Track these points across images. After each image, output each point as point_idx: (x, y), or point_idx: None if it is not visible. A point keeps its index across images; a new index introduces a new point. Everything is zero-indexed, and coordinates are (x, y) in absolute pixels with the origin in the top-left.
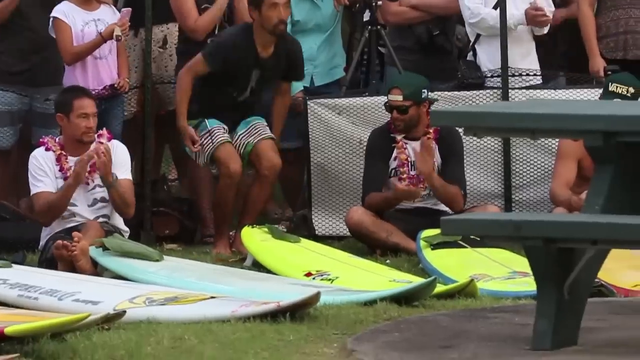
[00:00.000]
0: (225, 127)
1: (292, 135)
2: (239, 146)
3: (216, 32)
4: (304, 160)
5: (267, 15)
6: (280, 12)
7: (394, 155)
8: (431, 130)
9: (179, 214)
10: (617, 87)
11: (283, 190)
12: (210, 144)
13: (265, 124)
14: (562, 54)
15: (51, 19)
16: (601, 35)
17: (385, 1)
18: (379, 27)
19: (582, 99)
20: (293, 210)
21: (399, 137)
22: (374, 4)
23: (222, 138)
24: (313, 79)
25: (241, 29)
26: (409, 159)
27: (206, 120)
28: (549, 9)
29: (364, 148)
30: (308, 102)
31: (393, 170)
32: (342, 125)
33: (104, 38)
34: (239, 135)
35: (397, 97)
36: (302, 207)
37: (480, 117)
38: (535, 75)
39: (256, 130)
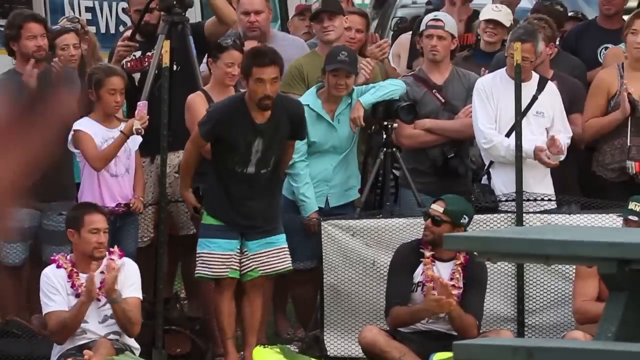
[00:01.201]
0: (229, 253)
1: (306, 256)
2: (245, 263)
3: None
4: (317, 281)
5: (253, 88)
6: (266, 88)
7: (419, 270)
8: (462, 256)
9: (191, 333)
10: (636, 205)
11: (295, 310)
12: (205, 268)
13: (286, 249)
14: (578, 178)
15: (72, 133)
16: (607, 162)
17: (401, 124)
18: (393, 149)
19: (596, 224)
20: (305, 330)
21: (428, 254)
22: (389, 126)
23: (222, 273)
24: (328, 200)
25: (235, 97)
26: (435, 276)
27: (209, 241)
28: (566, 135)
29: (378, 270)
30: (322, 223)
31: (417, 285)
32: (356, 246)
33: (125, 134)
34: (251, 256)
35: (438, 208)
36: (314, 328)
37: (494, 243)
38: (549, 200)
39: (274, 261)
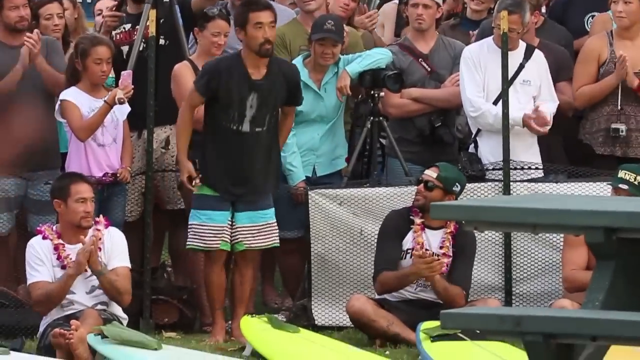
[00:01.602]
0: (221, 225)
1: (293, 225)
2: (232, 235)
3: None
4: (304, 250)
5: (252, 35)
6: (266, 32)
7: (409, 237)
8: (452, 224)
9: (179, 302)
10: (625, 173)
11: (283, 280)
12: (197, 239)
13: (274, 224)
14: (563, 147)
15: (58, 102)
16: (594, 130)
17: (387, 93)
18: (380, 118)
19: (583, 193)
20: (293, 300)
21: (418, 221)
22: (376, 95)
23: (213, 245)
24: (315, 169)
25: (231, 54)
26: (425, 243)
27: (201, 212)
28: (552, 103)
29: (365, 239)
30: (309, 192)
31: (406, 252)
32: (343, 215)
33: (108, 104)
34: (239, 228)
35: (431, 174)
36: (302, 297)
37: (481, 212)
38: (537, 168)
39: (260, 235)
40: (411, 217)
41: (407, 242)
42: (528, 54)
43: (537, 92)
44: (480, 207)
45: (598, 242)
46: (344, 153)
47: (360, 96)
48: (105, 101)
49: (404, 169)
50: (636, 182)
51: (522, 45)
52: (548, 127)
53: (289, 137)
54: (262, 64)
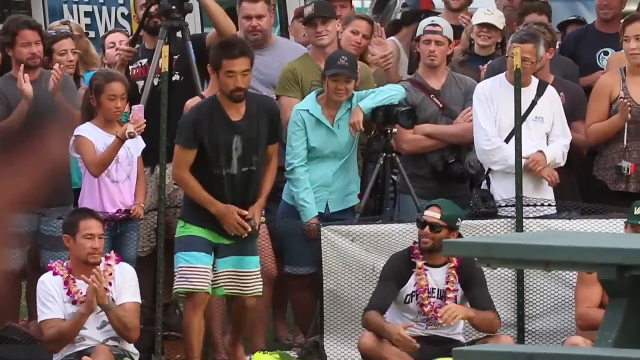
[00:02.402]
0: (207, 267)
1: (306, 261)
2: (216, 280)
3: None
4: (316, 286)
5: (223, 81)
6: (237, 80)
7: (412, 281)
8: (454, 258)
9: None
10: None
11: (295, 316)
12: (185, 282)
13: (258, 272)
14: (576, 183)
15: (73, 138)
16: (608, 165)
17: (400, 129)
18: (393, 154)
19: (596, 229)
20: (305, 336)
21: (420, 263)
22: (388, 131)
23: (202, 286)
24: (328, 205)
25: (205, 100)
26: (429, 285)
27: (188, 254)
28: (565, 140)
29: (377, 275)
30: (322, 228)
31: (410, 295)
32: (356, 252)
33: (120, 138)
34: (221, 272)
35: (434, 214)
36: (314, 334)
37: (493, 249)
38: (549, 205)
39: (243, 283)
40: (412, 259)
41: (410, 285)
42: (540, 90)
43: (550, 129)
44: (492, 244)
45: (610, 279)
46: (356, 189)
47: (372, 132)
48: (116, 136)
49: (416, 205)
50: None
51: (535, 81)
52: (548, 168)
53: (302, 173)
54: (239, 104)
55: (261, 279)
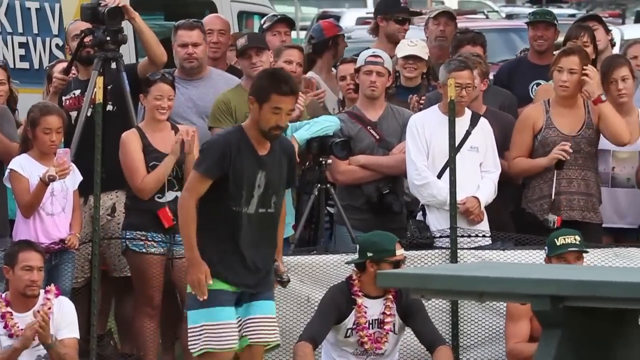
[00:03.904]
0: (234, 322)
1: None
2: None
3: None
4: None
5: (266, 116)
6: (281, 118)
7: (352, 316)
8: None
9: None
10: (565, 239)
11: None
12: (216, 342)
13: (273, 319)
14: (511, 214)
15: (8, 171)
16: (535, 197)
17: (335, 160)
18: (328, 185)
19: (530, 260)
20: None
21: (360, 301)
22: (323, 162)
23: (231, 344)
24: None
25: (231, 128)
26: (368, 321)
27: (213, 310)
28: (495, 172)
29: (312, 306)
30: None
31: (351, 329)
32: (291, 282)
33: (43, 182)
34: (244, 321)
35: (402, 252)
36: None
37: (428, 280)
38: (484, 236)
39: (259, 329)
40: (353, 297)
41: (350, 321)
42: (474, 121)
43: (484, 159)
44: (427, 275)
45: (544, 310)
46: (291, 220)
47: (307, 163)
48: (40, 179)
49: (351, 236)
50: (578, 242)
51: (468, 113)
52: (480, 216)
53: None
54: (266, 139)
55: (277, 327)
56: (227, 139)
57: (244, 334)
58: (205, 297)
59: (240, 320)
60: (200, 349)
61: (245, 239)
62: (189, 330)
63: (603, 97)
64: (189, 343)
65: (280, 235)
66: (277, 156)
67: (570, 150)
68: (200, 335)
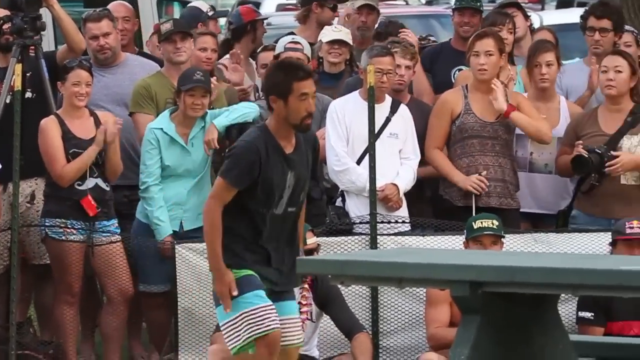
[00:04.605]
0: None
1: (160, 279)
2: None
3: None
4: (171, 304)
5: (295, 107)
6: (310, 103)
7: None
8: (307, 278)
9: (45, 357)
10: (482, 222)
11: (150, 334)
12: (261, 326)
13: (298, 320)
14: (430, 200)
15: None
16: (452, 184)
17: None
18: None
19: (450, 246)
20: (159, 354)
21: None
22: None
23: (274, 325)
24: (182, 224)
25: (255, 130)
26: None
27: (253, 295)
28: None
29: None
30: (176, 246)
31: None
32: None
33: None
34: None
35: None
36: (168, 351)
37: (347, 266)
38: (403, 222)
39: (289, 329)
40: None
41: None
42: (394, 108)
43: (403, 146)
44: (346, 261)
45: (463, 296)
46: None
47: (227, 150)
48: None
49: None
50: (495, 227)
51: (388, 99)
52: (399, 203)
53: (156, 192)
54: (291, 135)
55: (301, 328)
56: (256, 145)
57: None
58: (229, 310)
59: None
60: (247, 339)
61: (267, 236)
62: (224, 327)
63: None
64: (228, 340)
65: (300, 226)
66: (303, 150)
67: (486, 184)
68: (242, 325)
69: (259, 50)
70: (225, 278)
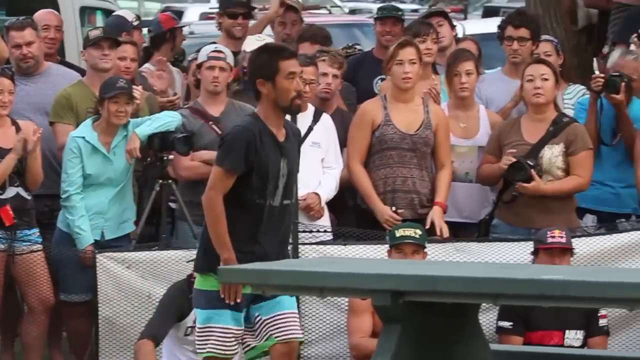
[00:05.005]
0: (238, 330)
1: (81, 289)
2: (257, 331)
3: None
4: (91, 314)
5: (284, 87)
6: (298, 83)
7: (192, 315)
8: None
9: None
10: (404, 231)
11: (70, 344)
12: (221, 347)
13: (297, 315)
14: (353, 208)
15: None
16: None
17: (177, 156)
18: (170, 181)
19: (372, 256)
20: None
21: None
22: (165, 158)
23: (234, 351)
24: (103, 233)
25: (247, 118)
26: None
27: (220, 313)
28: (337, 168)
29: (153, 302)
30: (97, 256)
31: (191, 328)
32: (132, 279)
33: None
34: (266, 321)
35: None
36: None
37: (269, 276)
38: (325, 231)
39: (285, 325)
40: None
41: (190, 319)
42: (317, 117)
43: (326, 155)
44: (268, 270)
45: (384, 305)
46: (132, 216)
47: (149, 159)
48: None
49: (192, 232)
50: (417, 235)
51: (311, 108)
52: (321, 212)
53: (77, 201)
54: (281, 123)
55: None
56: (250, 129)
57: (271, 332)
58: (237, 300)
59: (261, 319)
60: (208, 352)
61: (265, 232)
62: (197, 330)
63: None
64: (197, 342)
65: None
66: (292, 141)
67: (398, 220)
68: (209, 337)
69: (189, 61)
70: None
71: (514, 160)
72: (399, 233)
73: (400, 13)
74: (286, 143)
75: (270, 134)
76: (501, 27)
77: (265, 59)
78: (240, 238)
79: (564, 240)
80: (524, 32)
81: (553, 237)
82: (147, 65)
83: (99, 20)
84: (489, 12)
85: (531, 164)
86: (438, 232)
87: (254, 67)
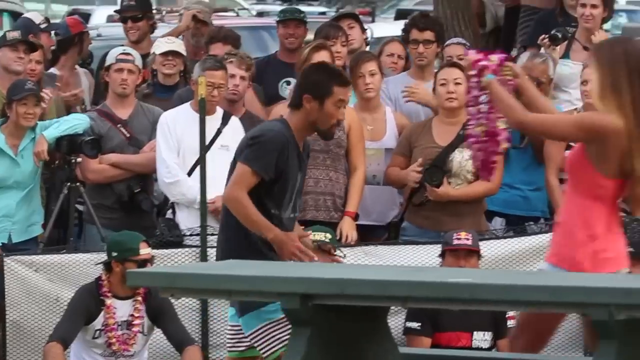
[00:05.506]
0: None
1: None
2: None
3: None
4: None
5: (329, 111)
6: (342, 112)
7: (101, 317)
8: (141, 290)
9: None
10: (315, 235)
11: None
12: (280, 341)
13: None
14: None
15: None
16: None
17: (85, 159)
18: (78, 184)
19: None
20: None
21: (108, 302)
22: (73, 160)
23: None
24: (10, 236)
25: (277, 123)
26: (117, 322)
27: (268, 309)
28: None
29: (61, 305)
30: (4, 259)
31: (100, 331)
32: (39, 282)
33: None
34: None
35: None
36: None
37: (177, 279)
38: None
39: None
40: (101, 297)
41: (99, 322)
42: (225, 120)
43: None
44: (176, 274)
45: (294, 308)
46: (40, 219)
47: (57, 161)
48: None
49: (100, 235)
50: (327, 240)
51: (220, 111)
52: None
53: None
54: (305, 138)
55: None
56: (285, 136)
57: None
58: (314, 258)
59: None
60: (278, 349)
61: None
62: (251, 337)
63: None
64: (260, 349)
65: None
66: (306, 154)
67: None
68: (270, 335)
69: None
70: (288, 239)
71: (429, 164)
72: (315, 237)
73: (302, 15)
74: (304, 156)
75: (296, 145)
76: (405, 31)
77: (322, 78)
78: (251, 245)
79: (469, 242)
80: (429, 35)
81: (459, 238)
82: (52, 69)
83: (6, 22)
84: (401, 15)
85: (445, 169)
86: (344, 241)
87: (307, 81)
